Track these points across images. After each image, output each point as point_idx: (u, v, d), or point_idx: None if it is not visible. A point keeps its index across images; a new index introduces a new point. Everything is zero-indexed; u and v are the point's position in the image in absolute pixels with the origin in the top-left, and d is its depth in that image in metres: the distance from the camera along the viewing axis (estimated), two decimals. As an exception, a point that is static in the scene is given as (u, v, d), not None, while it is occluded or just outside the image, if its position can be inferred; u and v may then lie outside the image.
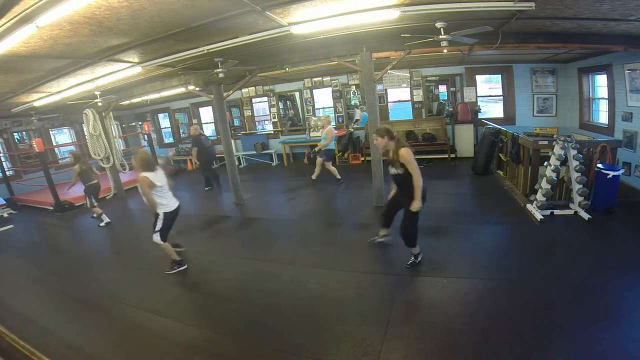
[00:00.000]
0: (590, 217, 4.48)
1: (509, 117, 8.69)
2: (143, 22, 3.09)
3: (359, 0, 3.24)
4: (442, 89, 9.70)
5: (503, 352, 2.48)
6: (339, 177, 7.50)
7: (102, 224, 6.40)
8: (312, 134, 10.30)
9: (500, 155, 6.84)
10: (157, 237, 4.02)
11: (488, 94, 9.80)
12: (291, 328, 2.99)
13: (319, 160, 7.54)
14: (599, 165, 4.73)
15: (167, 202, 4.02)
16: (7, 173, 9.08)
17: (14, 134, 9.59)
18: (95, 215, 6.52)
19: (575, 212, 4.72)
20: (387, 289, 3.45)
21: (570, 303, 2.93)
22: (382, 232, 4.25)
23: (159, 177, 3.94)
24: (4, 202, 8.26)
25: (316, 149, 7.67)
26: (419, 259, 3.82)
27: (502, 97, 8.94)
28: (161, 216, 3.98)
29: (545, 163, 4.90)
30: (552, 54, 6.73)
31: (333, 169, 7.54)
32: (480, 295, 3.20)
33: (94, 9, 2.61)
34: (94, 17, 2.79)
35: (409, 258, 3.80)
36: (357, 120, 9.28)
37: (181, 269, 4.19)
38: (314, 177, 7.66)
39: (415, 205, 3.39)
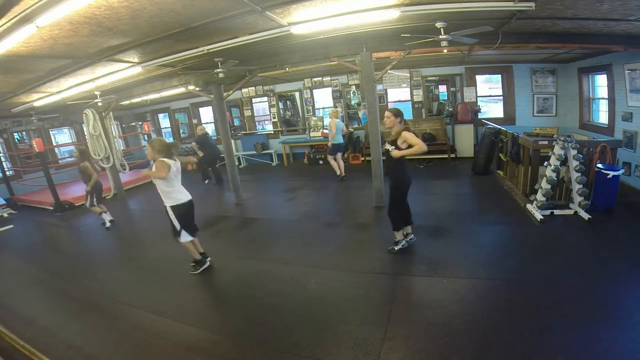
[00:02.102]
0: (590, 217, 4.48)
1: (509, 117, 8.69)
2: (143, 22, 3.09)
3: (359, 0, 3.24)
4: (442, 89, 9.70)
5: (503, 352, 2.48)
6: (343, 174, 7.61)
7: (107, 225, 6.19)
8: (312, 134, 10.31)
9: (500, 155, 6.84)
10: (183, 237, 3.89)
11: (488, 94, 9.79)
12: (291, 328, 2.98)
13: (328, 157, 7.66)
14: (599, 165, 4.72)
15: (176, 195, 3.80)
16: (7, 173, 9.07)
17: (14, 134, 9.59)
18: (103, 222, 6.28)
19: (575, 212, 4.72)
20: (387, 289, 3.45)
21: (570, 303, 2.93)
22: (407, 231, 4.15)
23: (175, 166, 3.77)
24: (4, 202, 8.27)
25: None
26: (398, 247, 3.98)
27: (502, 97, 8.94)
28: (170, 212, 3.80)
29: (545, 163, 4.90)
30: (552, 54, 6.73)
31: (334, 163, 7.63)
32: (480, 295, 3.20)
33: (94, 9, 2.61)
34: (94, 17, 2.79)
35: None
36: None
37: (204, 267, 4.13)
38: (339, 173, 7.67)
39: (396, 153, 3.59)
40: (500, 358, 2.44)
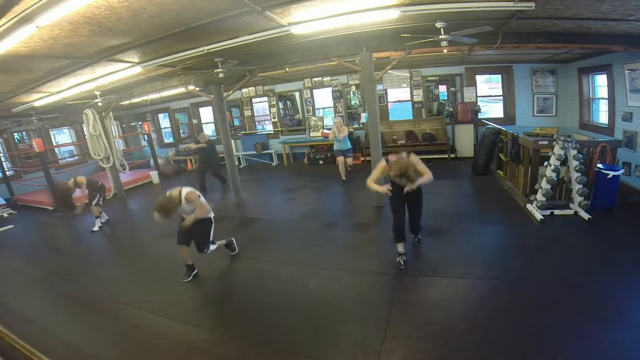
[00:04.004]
0: (590, 217, 4.48)
1: (509, 117, 8.68)
2: (143, 22, 3.09)
3: (359, 0, 3.24)
4: (442, 89, 9.70)
5: (503, 352, 2.48)
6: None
7: (95, 229, 6.13)
8: (312, 134, 10.31)
9: (500, 155, 6.84)
10: (213, 247, 4.08)
11: (488, 94, 9.80)
12: (291, 328, 2.99)
13: (349, 160, 7.57)
14: (599, 165, 4.72)
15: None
16: (7, 173, 9.07)
17: (14, 134, 9.58)
18: (101, 222, 6.27)
19: (575, 212, 4.72)
20: (387, 289, 3.45)
21: (570, 303, 2.93)
22: (401, 249, 3.83)
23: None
24: (4, 202, 8.26)
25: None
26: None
27: (502, 97, 8.93)
28: (212, 221, 4.01)
29: (545, 163, 4.90)
30: (552, 54, 6.73)
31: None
32: (480, 295, 3.20)
33: (94, 9, 2.61)
34: (94, 17, 2.79)
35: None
36: (363, 123, 9.36)
37: (194, 272, 4.11)
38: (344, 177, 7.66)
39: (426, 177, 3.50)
40: (500, 358, 2.44)
